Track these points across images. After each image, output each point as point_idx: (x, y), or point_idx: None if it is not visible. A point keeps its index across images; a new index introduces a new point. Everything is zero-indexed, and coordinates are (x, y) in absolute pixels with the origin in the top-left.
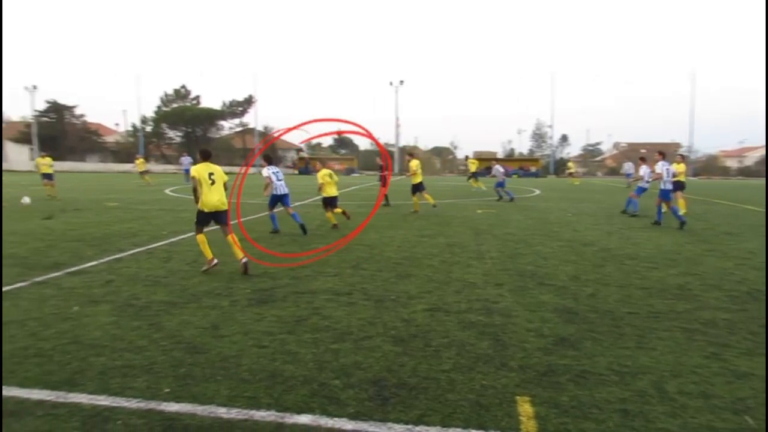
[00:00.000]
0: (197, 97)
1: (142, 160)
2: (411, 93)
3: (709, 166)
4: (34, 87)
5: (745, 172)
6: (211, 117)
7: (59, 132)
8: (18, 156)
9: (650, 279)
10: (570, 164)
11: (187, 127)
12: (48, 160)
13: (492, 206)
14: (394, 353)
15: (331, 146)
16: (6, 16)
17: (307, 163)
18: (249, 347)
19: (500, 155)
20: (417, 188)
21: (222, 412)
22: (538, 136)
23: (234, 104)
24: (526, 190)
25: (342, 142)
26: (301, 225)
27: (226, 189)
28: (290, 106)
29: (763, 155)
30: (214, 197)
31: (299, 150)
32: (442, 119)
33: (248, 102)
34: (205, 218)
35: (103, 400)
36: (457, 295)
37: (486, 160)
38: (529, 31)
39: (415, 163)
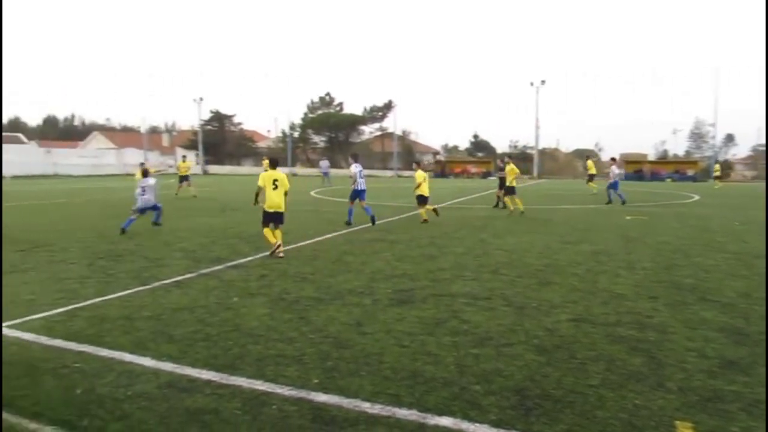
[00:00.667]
0: (341, 104)
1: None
2: (553, 93)
3: None
4: (201, 99)
5: None
6: (353, 122)
7: (220, 139)
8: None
9: None
10: (716, 167)
11: (330, 133)
12: (188, 164)
13: (642, 212)
14: (537, 363)
15: (467, 149)
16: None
17: (443, 166)
18: (391, 346)
19: (652, 157)
20: (509, 191)
21: (366, 406)
22: (697, 136)
23: (374, 109)
24: (682, 195)
25: (478, 145)
26: (371, 217)
27: (286, 195)
28: (427, 109)
29: None
30: (275, 200)
31: (436, 153)
32: (586, 120)
33: (388, 107)
34: (268, 217)
35: (260, 385)
36: (605, 307)
37: (635, 163)
38: (689, 21)
39: (509, 168)
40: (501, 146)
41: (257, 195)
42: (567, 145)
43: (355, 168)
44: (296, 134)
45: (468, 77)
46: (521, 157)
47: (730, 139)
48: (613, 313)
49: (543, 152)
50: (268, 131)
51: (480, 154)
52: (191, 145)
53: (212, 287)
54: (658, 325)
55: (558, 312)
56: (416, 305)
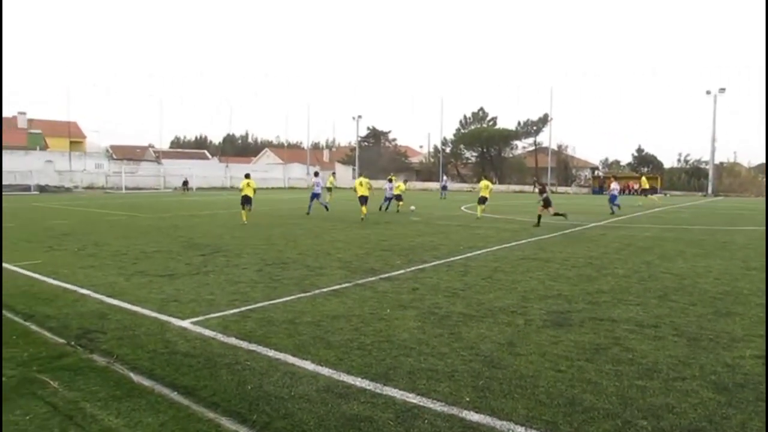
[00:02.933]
0: (494, 119)
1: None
2: (733, 101)
3: None
4: (359, 116)
5: None
6: (506, 137)
7: (375, 154)
8: (343, 176)
9: None
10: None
11: (482, 148)
12: (252, 182)
13: None
14: (716, 402)
15: (630, 163)
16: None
17: (602, 182)
18: (545, 369)
19: None
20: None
21: (521, 430)
22: None
23: (528, 124)
24: None
25: (643, 159)
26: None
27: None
28: (586, 122)
29: None
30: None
31: (594, 168)
32: None
33: (543, 121)
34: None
35: (412, 398)
36: None
37: None
38: None
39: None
40: (669, 160)
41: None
42: (749, 159)
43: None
44: (448, 149)
45: (632, 86)
46: (692, 173)
47: None
48: None
49: (720, 167)
50: (421, 147)
51: (645, 169)
52: (348, 161)
53: (367, 298)
54: None
55: (741, 346)
56: (573, 329)
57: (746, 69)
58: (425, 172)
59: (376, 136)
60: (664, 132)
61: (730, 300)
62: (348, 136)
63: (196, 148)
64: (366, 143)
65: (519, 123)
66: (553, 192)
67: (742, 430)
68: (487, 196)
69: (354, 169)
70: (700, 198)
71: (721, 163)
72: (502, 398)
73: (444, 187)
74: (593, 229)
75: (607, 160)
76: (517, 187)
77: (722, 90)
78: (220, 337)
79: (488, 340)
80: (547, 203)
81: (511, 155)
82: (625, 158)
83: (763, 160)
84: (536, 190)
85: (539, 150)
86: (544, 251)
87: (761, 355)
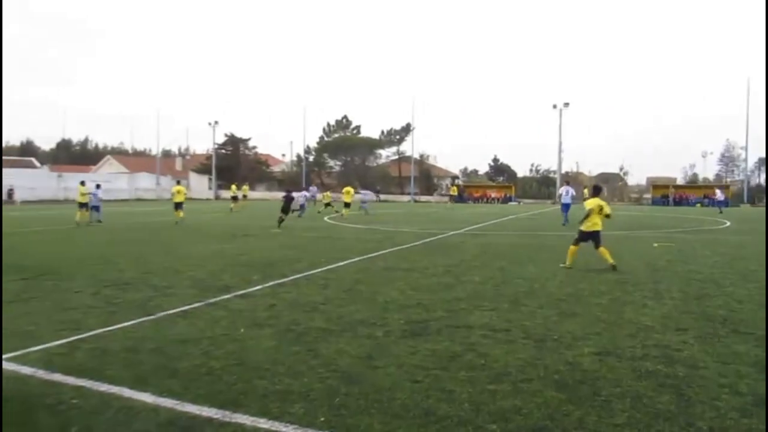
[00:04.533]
0: (357, 127)
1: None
2: (576, 115)
3: None
4: (216, 122)
5: None
6: (370, 146)
7: (234, 163)
8: (198, 186)
9: None
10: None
11: (346, 156)
12: (183, 188)
13: (671, 239)
14: (558, 400)
15: (487, 173)
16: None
17: (462, 190)
18: (403, 381)
19: (680, 181)
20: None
21: None
22: (728, 160)
23: (392, 133)
24: (712, 221)
25: (498, 169)
26: None
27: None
28: (446, 132)
29: None
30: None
31: (454, 177)
32: (611, 144)
33: (406, 130)
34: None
35: (264, 423)
36: (631, 340)
37: (662, 187)
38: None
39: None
40: (522, 170)
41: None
42: (590, 169)
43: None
44: (311, 158)
45: (488, 99)
46: (542, 182)
47: (762, 162)
48: (640, 346)
49: (566, 176)
50: (283, 155)
51: (500, 179)
52: (204, 170)
53: (219, 318)
54: (687, 360)
55: (580, 345)
56: (431, 337)
57: (586, 85)
58: (288, 181)
59: (234, 143)
60: (517, 143)
61: (573, 301)
62: (204, 143)
63: (20, 155)
64: (223, 151)
65: (383, 132)
66: (416, 201)
67: (580, 424)
68: (350, 201)
69: (210, 179)
70: (549, 205)
71: (567, 173)
72: (358, 415)
73: (313, 197)
74: (453, 237)
75: (466, 169)
76: (384, 196)
77: (566, 104)
78: (41, 373)
79: (347, 354)
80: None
81: (375, 164)
82: (483, 168)
83: (603, 170)
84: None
85: (402, 159)
86: (405, 261)
87: (597, 352)
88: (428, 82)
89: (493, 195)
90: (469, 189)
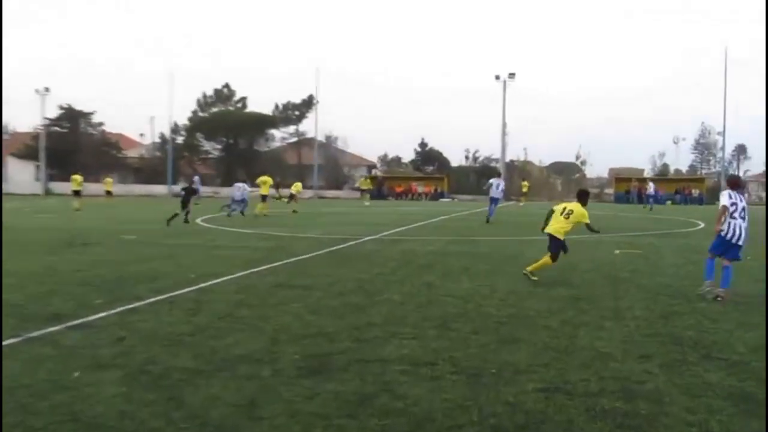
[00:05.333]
0: (243, 100)
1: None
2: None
3: None
4: (46, 90)
5: None
6: (260, 124)
7: (72, 145)
8: (20, 175)
9: None
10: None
11: (228, 138)
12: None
13: (636, 245)
14: None
15: (413, 161)
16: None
17: (381, 183)
18: None
19: (648, 173)
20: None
21: None
22: (703, 147)
23: (289, 107)
24: (684, 222)
25: (427, 156)
26: None
27: None
28: (362, 108)
29: None
30: None
31: (371, 166)
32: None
33: (307, 104)
34: None
35: None
36: (585, 371)
37: (626, 180)
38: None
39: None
40: (457, 157)
41: None
42: (541, 157)
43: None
44: (180, 140)
45: (414, 67)
46: (482, 172)
47: (741, 150)
48: (595, 379)
49: (511, 165)
50: (142, 135)
51: (429, 168)
52: (30, 153)
53: (44, 357)
54: (651, 393)
55: (524, 380)
56: (334, 375)
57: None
58: (148, 170)
59: (72, 117)
60: (451, 124)
61: (516, 324)
62: (30, 117)
63: None
64: (57, 128)
65: (277, 106)
66: (320, 198)
67: None
68: (267, 193)
69: (37, 166)
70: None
71: (512, 161)
72: None
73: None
74: (368, 244)
75: (386, 156)
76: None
77: (512, 76)
78: None
79: (221, 402)
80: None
81: (266, 148)
82: (408, 154)
83: (556, 160)
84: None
85: (303, 142)
86: (304, 275)
87: (544, 388)
88: (337, 43)
89: (420, 190)
90: (390, 182)
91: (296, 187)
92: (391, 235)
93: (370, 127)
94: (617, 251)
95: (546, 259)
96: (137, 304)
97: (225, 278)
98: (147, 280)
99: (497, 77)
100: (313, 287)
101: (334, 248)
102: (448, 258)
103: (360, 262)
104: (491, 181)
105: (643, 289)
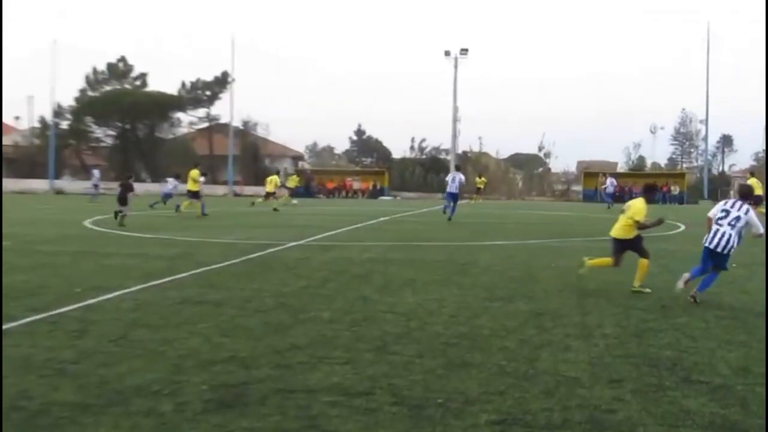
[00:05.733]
0: (143, 76)
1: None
2: (480, 69)
3: None
4: None
5: None
6: (163, 106)
7: None
8: None
9: None
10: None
11: (124, 123)
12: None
13: (608, 251)
14: None
15: (347, 151)
16: None
17: (310, 178)
18: None
19: (623, 167)
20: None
21: None
22: (684, 137)
23: (199, 86)
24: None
25: (365, 145)
26: None
27: None
28: (286, 88)
29: None
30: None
31: (298, 158)
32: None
33: (221, 83)
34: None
35: None
36: (547, 399)
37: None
38: None
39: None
40: (400, 148)
41: None
42: (499, 148)
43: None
44: (65, 125)
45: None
46: (429, 166)
47: (727, 142)
48: (559, 408)
49: (464, 157)
50: (17, 119)
51: (368, 160)
52: None
53: None
54: (622, 424)
55: (476, 411)
56: (250, 410)
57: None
58: (25, 162)
59: None
60: (393, 108)
61: (467, 345)
62: None
63: None
64: None
65: (184, 85)
66: (237, 195)
67: None
68: (196, 189)
69: None
70: (440, 200)
71: (465, 152)
72: None
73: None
74: (292, 251)
75: (315, 145)
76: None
77: (464, 51)
78: None
79: None
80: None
81: (171, 135)
82: (342, 143)
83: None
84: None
85: (216, 128)
86: (216, 289)
87: (499, 420)
88: (257, 12)
89: (357, 186)
90: (321, 177)
91: (293, 180)
92: (321, 240)
93: (297, 111)
94: (586, 258)
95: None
96: (9, 325)
97: (118, 293)
98: (22, 295)
99: (447, 53)
100: (225, 303)
101: (253, 256)
102: (389, 267)
103: (283, 273)
104: (450, 176)
105: (614, 302)
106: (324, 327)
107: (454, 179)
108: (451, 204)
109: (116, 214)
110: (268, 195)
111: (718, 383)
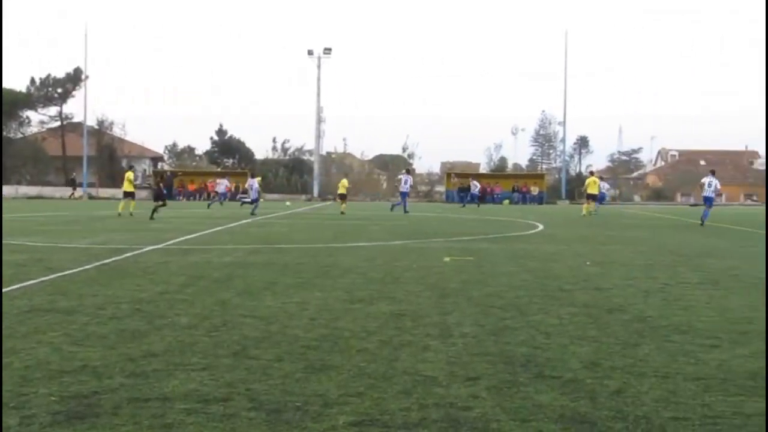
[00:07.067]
0: None
1: None
2: (344, 69)
3: None
4: None
5: None
6: (10, 103)
7: None
8: None
9: (707, 364)
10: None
11: None
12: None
13: (469, 250)
14: None
15: (208, 152)
16: None
17: (169, 181)
18: None
19: (484, 168)
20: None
21: None
22: (544, 139)
23: (50, 83)
24: (522, 224)
25: (226, 147)
26: None
27: None
28: (142, 87)
29: None
30: None
31: (157, 158)
32: (393, 112)
33: (74, 79)
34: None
35: None
36: (405, 398)
37: (462, 177)
38: None
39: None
40: (263, 148)
41: None
42: (364, 149)
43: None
44: None
45: (209, 38)
46: (293, 167)
47: (584, 144)
48: (416, 407)
49: (328, 158)
50: None
51: (230, 161)
52: None
53: None
54: (477, 420)
55: (334, 413)
56: (101, 420)
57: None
58: None
59: None
60: (256, 109)
61: (327, 348)
62: None
63: None
64: None
65: (33, 81)
66: (91, 197)
67: None
68: (131, 190)
69: None
70: (304, 203)
71: (329, 153)
72: None
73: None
74: (150, 255)
75: (175, 146)
76: (36, 189)
77: (328, 51)
78: None
79: None
80: None
81: (20, 134)
82: (203, 144)
83: (382, 151)
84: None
85: (68, 128)
86: (67, 296)
87: (357, 421)
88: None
89: (219, 188)
90: (182, 178)
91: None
92: (181, 243)
93: (155, 111)
94: (447, 259)
95: None
96: None
97: None
98: None
99: (310, 53)
100: (77, 311)
101: (107, 261)
102: (250, 270)
103: (139, 278)
104: (400, 176)
105: (473, 302)
106: (181, 333)
107: (405, 181)
108: (401, 202)
109: (157, 208)
110: (126, 195)
111: (569, 377)
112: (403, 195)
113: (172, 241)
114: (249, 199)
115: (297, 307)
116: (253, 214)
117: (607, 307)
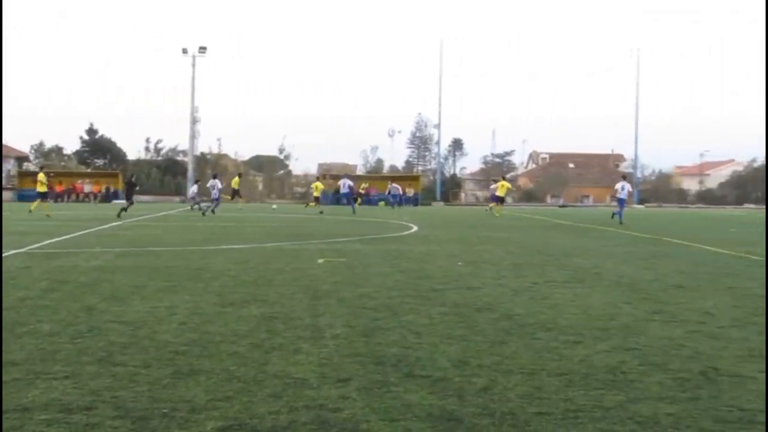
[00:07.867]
0: None
1: None
2: (219, 67)
3: (661, 189)
4: None
5: (705, 197)
6: None
7: None
8: None
9: (570, 360)
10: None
11: None
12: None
13: (343, 252)
14: None
15: (78, 152)
16: None
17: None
18: None
19: (361, 170)
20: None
21: None
22: (420, 141)
23: None
24: (397, 225)
25: (97, 146)
26: None
27: None
28: (6, 85)
29: (728, 174)
30: None
31: (23, 158)
32: (270, 112)
33: None
34: None
35: None
36: (275, 402)
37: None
38: None
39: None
40: (135, 149)
41: None
42: (238, 150)
43: None
44: None
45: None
46: (167, 168)
47: (457, 146)
48: (286, 410)
49: (202, 159)
50: None
51: (100, 162)
52: None
53: None
54: (347, 421)
55: (202, 419)
56: None
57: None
58: None
59: None
60: (127, 109)
61: (197, 352)
62: None
63: None
64: None
65: None
66: None
67: None
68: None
69: None
70: (177, 204)
71: (204, 154)
72: None
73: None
74: (10, 260)
75: (42, 145)
76: None
77: (203, 50)
78: None
79: None
80: None
81: None
82: (72, 143)
83: (259, 152)
84: None
85: None
86: None
87: (226, 426)
88: None
89: (88, 189)
90: (49, 180)
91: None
92: (45, 247)
93: (20, 108)
94: (321, 260)
95: None
96: None
97: None
98: None
99: (185, 51)
100: None
101: None
102: (118, 275)
103: None
104: (341, 181)
105: (345, 303)
106: (43, 340)
107: (345, 184)
108: (346, 201)
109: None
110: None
111: (438, 376)
112: (345, 196)
113: (35, 245)
114: (203, 200)
115: (166, 311)
116: (213, 212)
117: (477, 306)
